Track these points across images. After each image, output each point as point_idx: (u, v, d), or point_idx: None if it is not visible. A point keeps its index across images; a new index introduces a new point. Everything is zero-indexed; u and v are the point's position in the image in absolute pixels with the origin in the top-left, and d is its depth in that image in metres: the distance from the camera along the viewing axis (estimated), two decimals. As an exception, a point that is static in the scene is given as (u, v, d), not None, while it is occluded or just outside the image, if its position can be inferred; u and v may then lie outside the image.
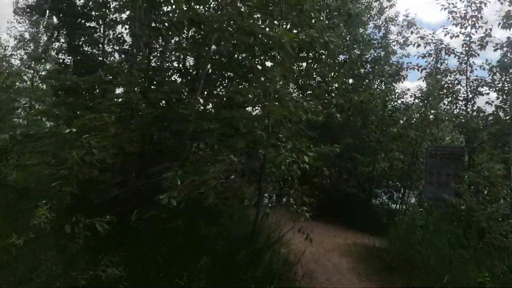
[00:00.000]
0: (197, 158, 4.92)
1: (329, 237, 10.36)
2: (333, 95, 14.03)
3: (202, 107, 6.30)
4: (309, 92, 14.12)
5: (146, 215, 4.36)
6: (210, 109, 6.50)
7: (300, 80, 13.60)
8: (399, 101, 13.41)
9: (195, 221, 4.84)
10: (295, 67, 4.92)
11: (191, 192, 3.89)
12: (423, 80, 9.80)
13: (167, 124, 5.41)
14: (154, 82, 6.37)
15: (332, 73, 13.46)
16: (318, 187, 14.61)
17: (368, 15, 14.90)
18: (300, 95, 14.20)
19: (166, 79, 6.32)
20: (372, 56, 14.30)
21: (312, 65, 13.77)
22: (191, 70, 6.50)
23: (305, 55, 4.75)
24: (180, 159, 4.82)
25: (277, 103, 4.50)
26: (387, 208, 13.13)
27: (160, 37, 6.58)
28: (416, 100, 10.25)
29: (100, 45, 8.31)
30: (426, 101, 9.76)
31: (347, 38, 13.59)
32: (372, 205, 12.95)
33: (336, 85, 13.73)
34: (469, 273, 6.22)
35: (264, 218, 6.37)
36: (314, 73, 14.22)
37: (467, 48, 9.11)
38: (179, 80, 6.65)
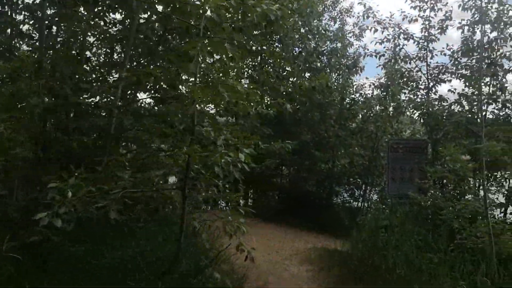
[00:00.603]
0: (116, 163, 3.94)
1: (288, 242, 9.54)
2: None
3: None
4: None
5: (28, 240, 3.35)
6: (141, 103, 5.51)
7: (253, 74, 12.83)
8: (358, 94, 12.78)
9: (99, 244, 3.82)
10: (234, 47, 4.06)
11: (87, 207, 2.96)
12: (382, 68, 9.14)
13: (70, 119, 4.43)
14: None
15: (289, 68, 12.70)
16: (277, 187, 13.83)
17: (323, 6, 14.23)
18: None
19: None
20: (328, 48, 13.64)
21: (265, 57, 13.02)
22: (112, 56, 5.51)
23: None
24: (93, 164, 3.84)
25: (200, 85, 3.61)
26: (349, 207, 12.48)
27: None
28: (376, 91, 9.60)
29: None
30: (385, 92, 9.11)
31: (302, 30, 12.85)
32: (333, 204, 12.26)
33: (292, 80, 12.99)
34: (440, 280, 5.53)
35: (197, 232, 5.41)
36: (269, 67, 13.46)
37: (426, 33, 8.50)
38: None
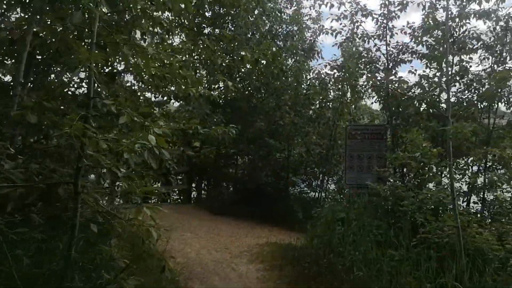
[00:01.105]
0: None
1: (239, 237, 8.77)
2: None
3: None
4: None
5: None
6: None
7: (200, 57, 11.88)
8: (315, 81, 12.08)
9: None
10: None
11: None
12: (338, 47, 8.45)
13: None
14: None
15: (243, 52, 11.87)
16: (231, 178, 13.03)
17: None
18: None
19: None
20: (284, 31, 12.90)
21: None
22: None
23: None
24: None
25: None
26: (306, 198, 11.83)
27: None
28: (333, 72, 8.87)
29: None
30: (342, 73, 8.44)
31: (255, 12, 12.02)
32: (289, 195, 11.56)
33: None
34: (402, 280, 4.90)
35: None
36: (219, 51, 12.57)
37: (385, 10, 7.86)
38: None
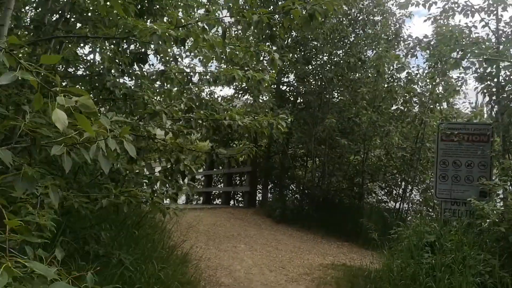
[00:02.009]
0: None
1: (301, 254, 7.38)
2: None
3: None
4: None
5: None
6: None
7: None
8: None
9: None
10: None
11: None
12: (432, 23, 6.70)
13: None
14: None
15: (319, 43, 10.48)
16: (297, 181, 11.63)
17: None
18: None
19: None
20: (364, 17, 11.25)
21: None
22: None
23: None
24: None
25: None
26: (384, 209, 10.12)
27: None
28: (421, 54, 7.10)
29: None
30: (435, 58, 6.71)
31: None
32: (364, 205, 9.92)
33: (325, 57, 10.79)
34: None
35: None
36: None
37: (497, -25, 6.05)
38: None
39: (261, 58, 5.42)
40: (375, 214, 9.61)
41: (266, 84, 4.60)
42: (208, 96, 13.58)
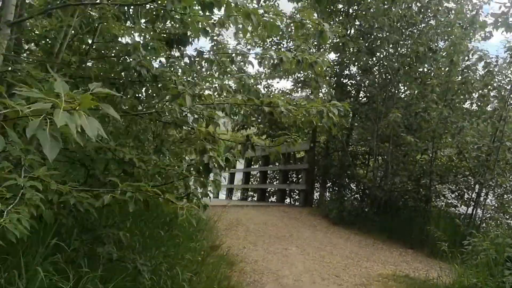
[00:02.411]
0: None
1: (358, 260, 6.69)
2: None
3: None
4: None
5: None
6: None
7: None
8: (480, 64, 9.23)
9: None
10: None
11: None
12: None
13: None
14: None
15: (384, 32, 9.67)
16: (358, 181, 10.85)
17: None
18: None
19: None
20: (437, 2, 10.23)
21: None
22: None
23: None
24: None
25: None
26: (454, 214, 9.15)
27: None
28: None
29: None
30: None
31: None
32: (431, 210, 8.99)
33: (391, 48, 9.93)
34: None
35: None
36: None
37: None
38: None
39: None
40: (443, 219, 8.68)
41: (320, 68, 4.00)
42: (266, 89, 13.22)
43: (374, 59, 10.45)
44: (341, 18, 11.45)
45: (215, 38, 4.65)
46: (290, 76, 13.15)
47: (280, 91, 13.49)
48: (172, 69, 4.12)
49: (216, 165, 2.81)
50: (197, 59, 3.95)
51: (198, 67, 4.20)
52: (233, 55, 3.95)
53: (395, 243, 8.00)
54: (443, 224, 8.41)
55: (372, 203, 9.35)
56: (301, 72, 12.25)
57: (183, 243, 4.65)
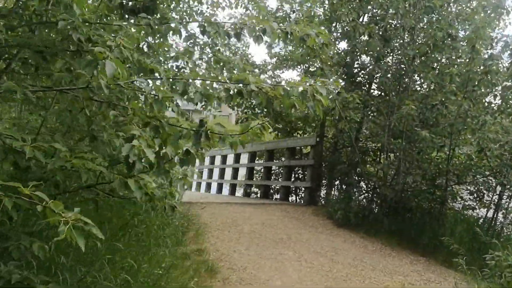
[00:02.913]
0: None
1: (362, 269, 5.92)
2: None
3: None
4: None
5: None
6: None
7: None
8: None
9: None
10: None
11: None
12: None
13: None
14: None
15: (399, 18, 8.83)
16: (367, 179, 10.04)
17: None
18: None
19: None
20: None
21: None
22: None
23: None
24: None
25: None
26: (472, 218, 8.33)
27: None
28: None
29: None
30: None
31: None
32: (447, 213, 8.16)
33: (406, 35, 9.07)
34: None
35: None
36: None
37: None
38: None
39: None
40: (461, 223, 7.88)
41: (313, 43, 3.24)
42: (272, 80, 12.45)
43: (388, 47, 9.60)
44: (353, 4, 10.60)
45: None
46: (298, 67, 12.39)
47: (286, 81, 12.73)
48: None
49: (142, 159, 2.06)
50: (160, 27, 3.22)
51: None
52: (205, 24, 3.21)
53: (406, 249, 7.21)
54: (460, 229, 7.60)
55: (381, 204, 8.54)
56: (310, 62, 11.49)
57: (145, 251, 3.92)
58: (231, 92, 2.58)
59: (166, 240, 4.77)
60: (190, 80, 2.57)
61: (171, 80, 2.56)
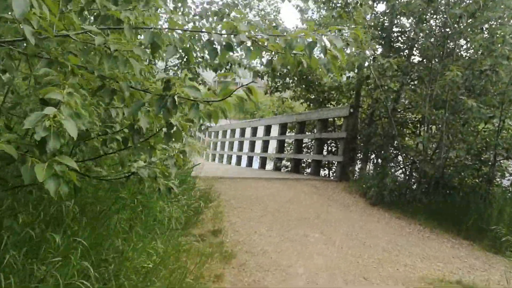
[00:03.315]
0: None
1: (397, 255, 5.30)
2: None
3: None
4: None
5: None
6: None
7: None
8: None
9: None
10: None
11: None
12: None
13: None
14: None
15: None
16: (405, 154, 9.28)
17: None
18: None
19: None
20: None
21: None
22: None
23: None
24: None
25: None
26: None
27: None
28: None
29: None
30: None
31: None
32: (494, 191, 7.35)
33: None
34: None
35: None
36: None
37: None
38: None
39: None
40: (510, 203, 7.06)
41: None
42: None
43: (431, 7, 8.63)
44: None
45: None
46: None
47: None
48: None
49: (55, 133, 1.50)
50: None
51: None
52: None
53: (447, 231, 6.51)
54: (509, 210, 6.81)
55: (420, 180, 7.81)
56: (345, 26, 10.63)
57: (139, 238, 3.43)
58: (216, 46, 1.99)
59: (171, 222, 4.31)
60: (165, 31, 2.00)
61: (134, 30, 2.00)
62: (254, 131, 14.73)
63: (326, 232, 5.84)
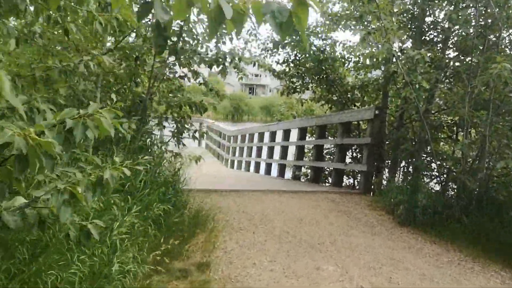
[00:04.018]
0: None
1: (421, 280, 4.16)
2: None
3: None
4: None
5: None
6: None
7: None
8: None
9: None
10: None
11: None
12: None
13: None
14: None
15: None
16: (444, 164, 8.05)
17: None
18: None
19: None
20: None
21: None
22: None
23: None
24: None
25: None
26: None
27: None
28: None
29: None
30: None
31: None
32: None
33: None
34: None
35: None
36: None
37: None
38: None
39: None
40: None
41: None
42: (323, 41, 10.55)
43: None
44: None
45: None
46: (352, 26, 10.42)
47: (342, 44, 10.82)
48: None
49: None
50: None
51: None
52: None
53: (495, 261, 5.27)
54: None
55: (458, 195, 6.57)
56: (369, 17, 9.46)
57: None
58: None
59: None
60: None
61: None
62: (273, 135, 13.65)
63: (343, 264, 4.73)
